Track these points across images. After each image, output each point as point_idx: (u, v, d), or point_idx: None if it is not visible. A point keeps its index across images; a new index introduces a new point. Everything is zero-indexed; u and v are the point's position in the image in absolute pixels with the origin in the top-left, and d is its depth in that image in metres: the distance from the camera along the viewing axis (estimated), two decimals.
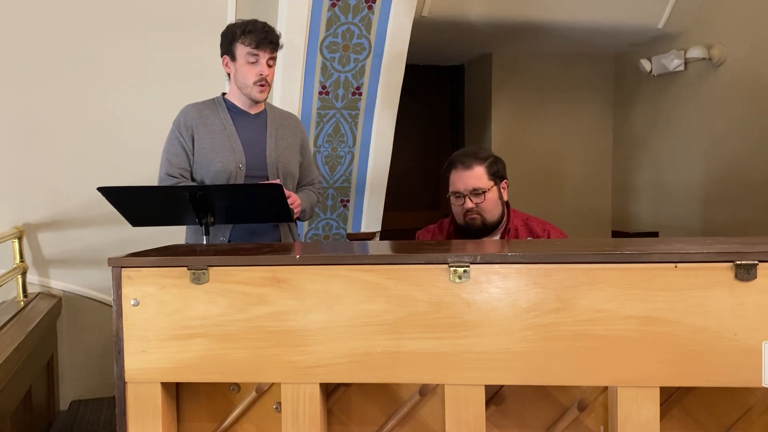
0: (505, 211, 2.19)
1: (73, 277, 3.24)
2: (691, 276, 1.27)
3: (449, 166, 2.17)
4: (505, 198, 2.19)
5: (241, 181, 2.33)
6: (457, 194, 2.13)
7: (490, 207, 2.12)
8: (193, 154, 2.34)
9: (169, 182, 2.31)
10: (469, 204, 2.10)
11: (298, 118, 2.59)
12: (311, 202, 2.49)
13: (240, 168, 2.33)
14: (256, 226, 2.38)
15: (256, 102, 2.38)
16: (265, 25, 2.32)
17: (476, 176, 2.11)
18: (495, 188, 2.14)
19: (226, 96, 2.42)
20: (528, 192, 4.59)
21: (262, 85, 2.32)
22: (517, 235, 2.17)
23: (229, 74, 2.38)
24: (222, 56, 2.37)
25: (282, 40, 2.37)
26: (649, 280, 1.28)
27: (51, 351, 3.08)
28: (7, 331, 2.48)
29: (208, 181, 2.31)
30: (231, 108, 2.39)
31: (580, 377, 1.32)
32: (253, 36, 2.28)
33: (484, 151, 2.19)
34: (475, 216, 2.11)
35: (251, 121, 2.40)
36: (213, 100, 2.41)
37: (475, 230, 2.13)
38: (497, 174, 2.15)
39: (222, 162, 2.31)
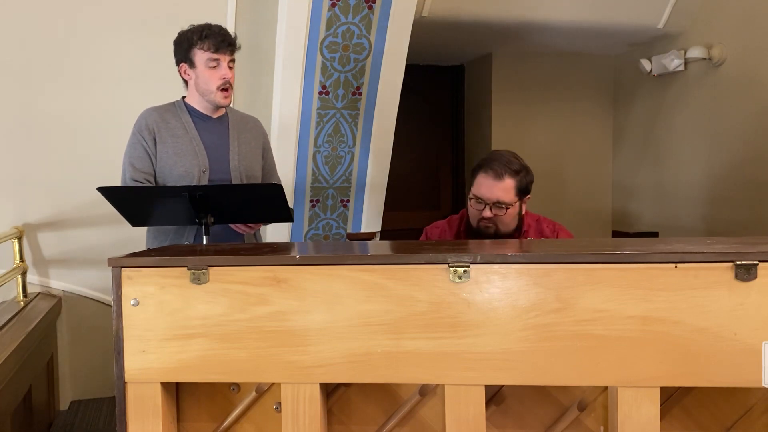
0: (521, 222, 2.14)
1: (73, 277, 3.24)
2: (691, 276, 1.27)
3: (480, 167, 2.07)
4: (524, 212, 2.13)
5: (205, 184, 2.30)
6: (479, 200, 2.05)
7: (508, 221, 2.06)
8: (155, 158, 2.31)
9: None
10: (487, 213, 2.03)
11: (259, 121, 2.57)
12: None
13: (203, 172, 2.31)
14: (223, 233, 2.35)
15: (220, 107, 2.37)
16: (220, 27, 2.31)
17: (504, 189, 2.02)
18: (518, 204, 2.07)
19: (186, 100, 2.39)
20: None
21: (224, 89, 2.30)
22: (527, 237, 2.14)
23: (186, 81, 2.37)
24: (178, 64, 2.35)
25: (238, 42, 2.35)
26: (649, 280, 1.28)
27: (51, 351, 3.08)
28: (7, 331, 2.48)
29: (170, 185, 2.28)
30: (192, 112, 2.37)
31: (580, 377, 1.32)
32: (212, 40, 2.26)
33: (518, 161, 2.07)
34: (490, 225, 2.05)
35: (213, 125, 2.39)
36: (173, 103, 2.39)
37: (485, 237, 2.07)
38: (524, 190, 2.07)
39: (185, 166, 2.29)
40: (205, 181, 2.31)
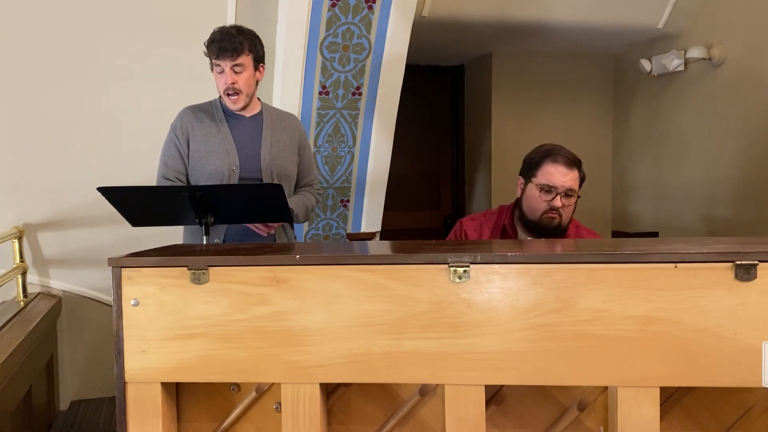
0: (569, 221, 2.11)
1: (73, 277, 3.24)
2: (691, 276, 1.27)
3: (549, 155, 2.04)
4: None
5: (234, 183, 2.32)
6: (550, 189, 2.01)
7: (570, 212, 2.05)
8: (188, 157, 2.35)
9: (165, 184, 2.31)
10: (558, 203, 2.00)
11: (297, 119, 2.58)
12: (306, 205, 2.47)
13: (233, 170, 2.33)
14: (252, 226, 2.37)
15: (248, 106, 2.37)
16: (225, 32, 2.27)
17: (575, 179, 2.02)
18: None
19: (221, 99, 2.41)
20: None
21: (230, 95, 2.31)
22: None
23: None
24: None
25: (251, 42, 2.28)
26: (649, 280, 1.28)
27: (51, 351, 3.08)
28: (7, 331, 2.48)
29: (202, 183, 2.31)
30: (225, 111, 2.39)
31: (580, 377, 1.32)
32: (213, 47, 2.27)
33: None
34: (555, 216, 2.02)
35: (246, 124, 2.40)
36: (210, 102, 2.42)
37: (546, 230, 2.03)
38: (581, 183, 2.06)
39: (215, 164, 2.32)
40: (234, 180, 2.33)
